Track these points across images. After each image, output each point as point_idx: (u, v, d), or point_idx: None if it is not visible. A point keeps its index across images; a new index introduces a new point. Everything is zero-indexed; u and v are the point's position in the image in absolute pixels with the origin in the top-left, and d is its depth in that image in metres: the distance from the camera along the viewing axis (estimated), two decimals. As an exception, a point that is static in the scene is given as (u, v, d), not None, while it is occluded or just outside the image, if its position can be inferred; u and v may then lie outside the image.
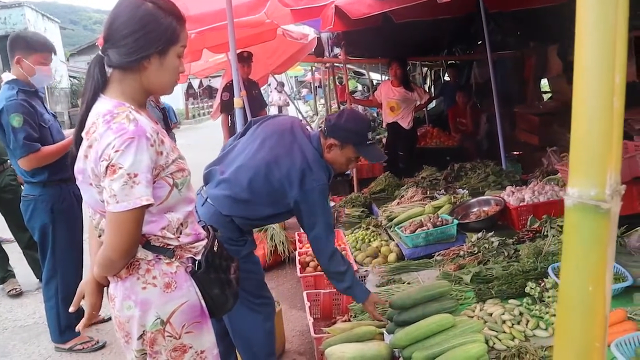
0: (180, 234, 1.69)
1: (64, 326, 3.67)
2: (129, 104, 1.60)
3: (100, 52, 1.65)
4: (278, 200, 2.55)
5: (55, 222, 3.53)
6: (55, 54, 3.55)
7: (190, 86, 32.34)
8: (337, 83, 10.85)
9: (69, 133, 3.49)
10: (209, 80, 31.12)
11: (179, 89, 30.81)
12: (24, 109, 3.27)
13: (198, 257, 1.72)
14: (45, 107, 3.55)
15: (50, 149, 3.38)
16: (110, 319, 3.99)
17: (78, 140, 1.65)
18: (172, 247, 1.67)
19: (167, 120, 7.20)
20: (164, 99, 9.11)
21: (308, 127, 3.04)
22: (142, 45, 1.58)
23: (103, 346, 3.77)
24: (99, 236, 1.71)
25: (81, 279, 3.75)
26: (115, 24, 1.59)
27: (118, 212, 1.49)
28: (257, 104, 7.15)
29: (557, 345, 0.77)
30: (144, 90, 1.67)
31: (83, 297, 1.79)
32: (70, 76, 24.23)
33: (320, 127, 2.57)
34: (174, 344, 1.69)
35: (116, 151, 1.47)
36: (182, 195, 1.67)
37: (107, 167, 1.48)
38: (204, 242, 1.77)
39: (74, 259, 3.67)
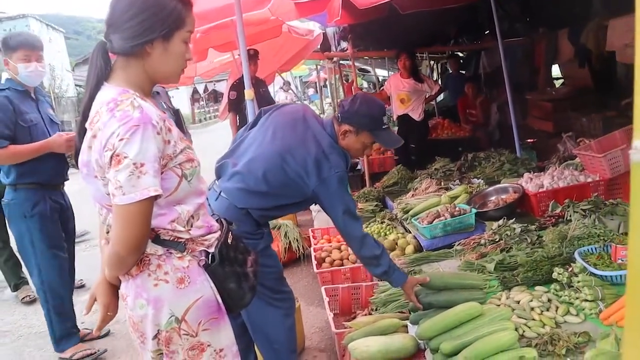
0: (192, 226, 1.61)
1: (58, 336, 3.56)
2: (133, 91, 1.53)
3: (103, 38, 1.58)
4: (295, 190, 2.47)
5: (30, 230, 3.39)
6: (40, 50, 3.41)
7: (195, 91, 32.37)
8: (344, 81, 10.76)
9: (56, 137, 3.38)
10: (214, 84, 31.12)
11: (185, 94, 30.90)
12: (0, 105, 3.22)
13: (211, 250, 1.64)
14: (40, 110, 3.44)
15: (20, 148, 3.25)
16: (105, 335, 3.92)
17: (82, 132, 1.57)
18: (183, 240, 1.59)
19: (181, 122, 7.04)
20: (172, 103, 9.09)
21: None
22: (145, 29, 1.50)
23: (104, 352, 3.65)
24: (107, 232, 1.64)
25: (70, 285, 3.66)
26: (117, 8, 1.52)
27: (125, 205, 1.41)
28: (264, 102, 7.07)
29: (628, 325, 0.69)
30: (148, 77, 1.60)
31: (95, 300, 1.70)
32: (76, 85, 24.33)
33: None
34: (191, 342, 1.61)
35: (121, 140, 1.40)
36: (192, 186, 1.60)
37: (111, 157, 1.41)
38: (217, 235, 1.70)
39: (58, 266, 3.50)
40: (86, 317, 3.83)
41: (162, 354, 1.64)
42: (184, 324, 1.58)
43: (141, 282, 1.57)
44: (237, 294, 1.70)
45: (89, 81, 1.57)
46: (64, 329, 3.55)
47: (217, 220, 1.78)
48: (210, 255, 1.63)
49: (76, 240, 4.07)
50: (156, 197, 1.46)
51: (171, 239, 1.58)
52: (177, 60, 1.59)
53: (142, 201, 1.41)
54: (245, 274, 1.76)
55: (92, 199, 1.62)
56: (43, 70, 3.41)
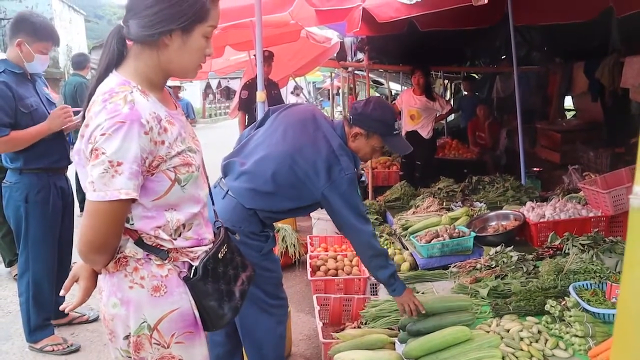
0: (179, 236, 1.54)
1: (33, 326, 3.49)
2: (135, 83, 1.46)
3: (121, 22, 1.51)
4: (303, 192, 2.44)
5: (28, 214, 3.33)
6: (57, 45, 3.42)
7: (208, 86, 32.48)
8: (349, 94, 10.68)
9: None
10: (228, 81, 31.22)
11: (197, 88, 30.98)
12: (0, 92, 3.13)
13: (195, 263, 1.56)
14: (38, 92, 3.37)
15: (21, 133, 3.18)
16: (94, 320, 3.91)
17: (83, 117, 1.50)
18: (165, 248, 1.52)
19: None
20: (183, 95, 9.14)
21: None
22: (165, 19, 1.43)
23: (77, 350, 3.57)
24: None
25: (53, 278, 3.52)
26: None
27: (94, 202, 1.36)
28: (275, 104, 7.08)
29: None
30: (161, 69, 1.52)
31: (76, 281, 1.60)
32: (92, 68, 24.45)
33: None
34: (161, 352, 1.54)
35: (102, 134, 1.34)
36: (185, 192, 1.52)
37: (91, 151, 1.36)
38: (206, 248, 1.61)
39: (48, 256, 3.46)
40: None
41: (130, 357, 1.57)
42: (156, 332, 1.52)
43: (117, 281, 1.51)
44: (216, 313, 1.61)
45: (99, 65, 1.52)
46: (39, 320, 3.48)
47: (218, 228, 1.73)
48: (193, 268, 1.55)
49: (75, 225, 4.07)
50: (131, 201, 1.40)
51: (153, 244, 1.51)
52: (195, 55, 1.51)
53: (112, 202, 1.36)
54: (230, 292, 1.66)
55: (84, 189, 1.53)
56: (48, 60, 3.39)
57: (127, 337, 1.53)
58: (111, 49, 1.50)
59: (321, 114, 2.65)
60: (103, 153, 1.34)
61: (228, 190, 2.49)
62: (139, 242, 1.49)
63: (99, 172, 1.34)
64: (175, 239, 1.53)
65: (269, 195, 2.44)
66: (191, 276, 1.54)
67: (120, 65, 1.51)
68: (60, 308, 1.62)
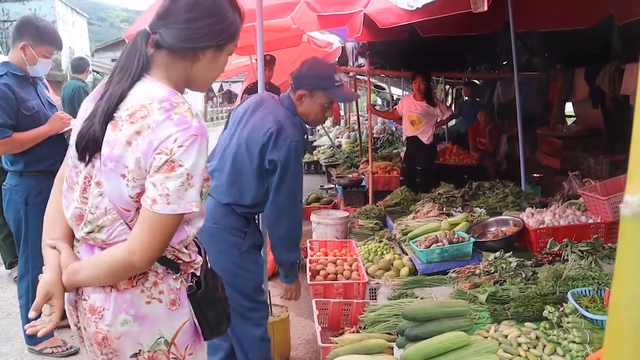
0: (186, 249, 1.55)
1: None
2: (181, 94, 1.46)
3: (147, 28, 1.48)
4: (264, 174, 2.54)
5: (28, 216, 3.33)
6: (60, 49, 3.44)
7: (210, 89, 32.48)
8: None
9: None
10: (229, 84, 31.24)
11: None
12: (2, 94, 3.13)
13: (197, 274, 1.58)
14: (39, 94, 3.38)
15: (22, 135, 3.20)
16: None
17: (105, 119, 1.40)
18: (181, 261, 1.53)
19: None
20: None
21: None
22: (204, 35, 1.46)
23: (76, 352, 3.57)
24: (89, 233, 1.47)
25: None
26: (177, 3, 1.46)
27: (164, 214, 1.33)
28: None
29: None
30: (187, 81, 1.53)
31: (48, 300, 1.46)
32: (93, 70, 24.50)
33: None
34: None
35: (180, 146, 1.33)
36: (202, 207, 1.52)
37: (165, 162, 1.33)
38: (200, 259, 1.62)
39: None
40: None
41: None
42: (174, 347, 1.51)
43: (131, 297, 1.46)
44: (217, 321, 1.63)
45: (131, 66, 1.44)
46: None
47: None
48: (195, 280, 1.56)
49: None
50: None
51: (173, 258, 1.51)
52: (218, 70, 1.57)
53: (180, 215, 1.37)
54: (222, 299, 1.69)
55: (101, 196, 1.43)
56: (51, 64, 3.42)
57: (136, 354, 1.48)
58: (143, 53, 1.46)
59: (269, 95, 2.78)
60: (181, 165, 1.33)
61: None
62: (160, 258, 1.46)
63: (176, 185, 1.33)
64: (190, 252, 1.56)
65: (236, 185, 2.57)
66: (195, 288, 1.55)
67: (149, 70, 1.47)
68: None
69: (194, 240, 1.63)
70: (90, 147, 1.41)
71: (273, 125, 2.50)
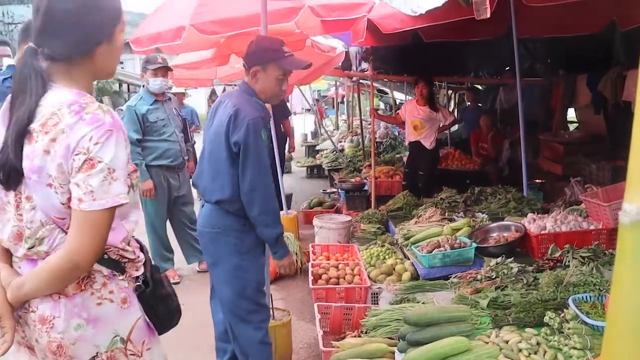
0: (128, 246, 1.54)
1: None
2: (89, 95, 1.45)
3: (32, 45, 1.45)
4: (235, 160, 2.59)
5: None
6: None
7: (213, 92, 32.47)
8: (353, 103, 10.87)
9: None
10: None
11: (202, 95, 31.05)
12: (5, 96, 3.18)
13: (140, 271, 1.58)
14: None
15: None
16: None
17: (21, 135, 1.39)
18: (126, 260, 1.53)
19: (187, 130, 6.60)
20: (188, 101, 9.18)
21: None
22: (92, 33, 1.44)
23: None
24: (30, 248, 1.45)
25: None
26: (54, 14, 1.40)
27: (94, 211, 1.34)
28: (280, 111, 7.17)
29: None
30: (93, 76, 1.54)
31: None
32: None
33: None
34: None
35: (96, 143, 1.35)
36: (135, 198, 1.54)
37: (84, 161, 1.34)
38: (142, 256, 1.61)
39: None
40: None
41: None
42: (130, 344, 1.53)
43: (81, 301, 1.45)
44: (167, 316, 1.66)
45: (30, 89, 1.41)
46: None
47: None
48: (142, 279, 1.57)
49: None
50: (119, 207, 1.40)
51: (117, 258, 1.51)
52: (119, 50, 1.53)
53: (110, 209, 1.37)
54: (172, 293, 1.71)
55: (37, 210, 1.43)
56: None
57: (93, 357, 1.48)
58: (37, 70, 1.43)
59: (233, 90, 2.90)
60: (100, 161, 1.35)
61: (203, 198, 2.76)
62: (101, 259, 1.45)
63: (99, 181, 1.35)
64: (134, 250, 1.56)
65: (216, 182, 2.64)
66: (143, 287, 1.56)
67: (52, 81, 1.45)
68: None
69: (134, 237, 1.63)
70: (12, 175, 1.41)
71: (231, 109, 2.58)
